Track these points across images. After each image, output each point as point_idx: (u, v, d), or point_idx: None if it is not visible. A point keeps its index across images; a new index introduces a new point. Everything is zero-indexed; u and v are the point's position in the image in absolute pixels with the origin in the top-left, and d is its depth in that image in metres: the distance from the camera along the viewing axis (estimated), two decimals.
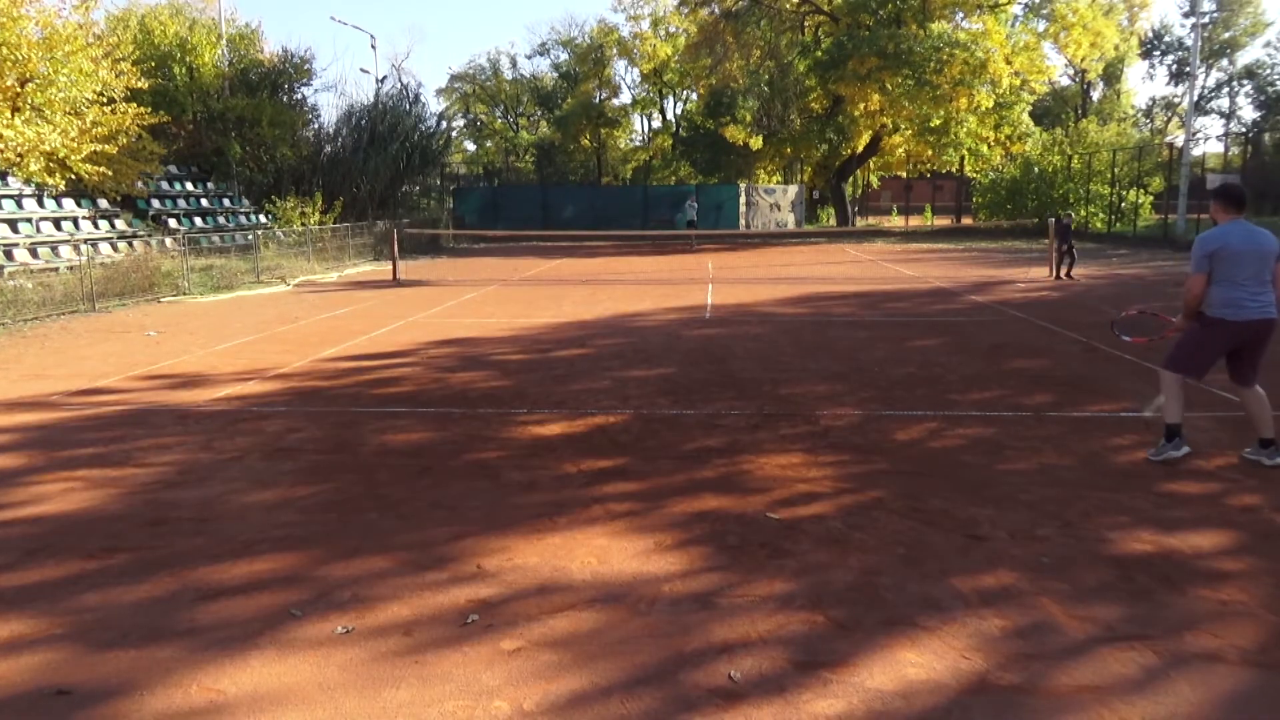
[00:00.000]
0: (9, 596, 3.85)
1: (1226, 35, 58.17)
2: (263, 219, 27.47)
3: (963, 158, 36.49)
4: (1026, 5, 35.54)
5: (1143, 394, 7.48)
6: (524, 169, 55.45)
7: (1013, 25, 34.26)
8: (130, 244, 20.94)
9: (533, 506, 4.91)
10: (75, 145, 19.84)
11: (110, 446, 6.23)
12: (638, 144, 57.17)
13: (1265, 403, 5.49)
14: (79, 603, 3.77)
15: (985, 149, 34.57)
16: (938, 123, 32.56)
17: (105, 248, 20.11)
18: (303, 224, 25.87)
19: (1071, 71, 51.43)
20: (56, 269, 17.77)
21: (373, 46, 71.06)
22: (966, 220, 41.40)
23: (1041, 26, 35.06)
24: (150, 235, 21.79)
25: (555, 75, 56.84)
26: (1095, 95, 59.60)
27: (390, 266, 19.78)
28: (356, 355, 9.86)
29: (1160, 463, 5.50)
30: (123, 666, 3.25)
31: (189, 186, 27.08)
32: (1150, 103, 65.93)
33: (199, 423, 6.86)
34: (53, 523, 4.75)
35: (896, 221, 44.99)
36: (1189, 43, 44.93)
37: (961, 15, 34.27)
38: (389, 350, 10.17)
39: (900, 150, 39.14)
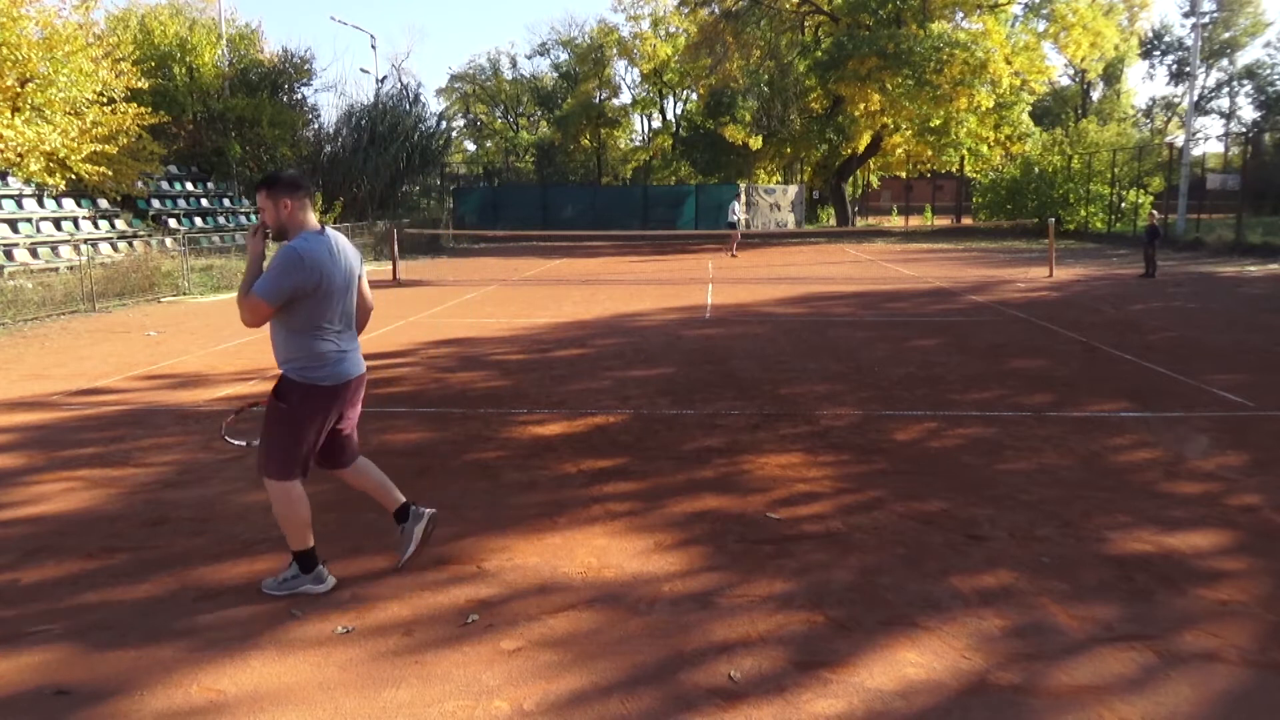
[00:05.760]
0: (9, 596, 3.85)
1: (1226, 35, 58.22)
2: None
3: (963, 158, 36.50)
4: (1026, 5, 35.50)
5: (1144, 393, 7.49)
6: (524, 169, 55.45)
7: (1013, 25, 34.26)
8: (130, 244, 20.95)
9: (533, 506, 4.91)
10: (75, 145, 19.82)
11: (110, 446, 6.23)
12: (638, 144, 57.14)
13: (374, 468, 4.12)
14: (79, 603, 3.78)
15: (985, 149, 34.59)
16: (938, 123, 32.57)
17: (105, 248, 20.12)
18: None
19: (1071, 71, 51.42)
20: (56, 269, 17.77)
21: (373, 46, 71.17)
22: (966, 220, 41.38)
23: (1041, 26, 35.04)
24: (150, 235, 21.79)
25: (555, 75, 56.83)
26: (1095, 95, 59.59)
27: (390, 266, 19.78)
28: None
29: (287, 596, 3.79)
30: (123, 666, 3.24)
31: (189, 186, 27.07)
32: (1150, 103, 66.04)
33: (199, 423, 6.86)
34: (53, 523, 4.74)
35: (896, 221, 44.94)
36: (1189, 43, 44.94)
37: (961, 15, 34.28)
38: (389, 350, 10.16)
39: (900, 150, 39.13)
